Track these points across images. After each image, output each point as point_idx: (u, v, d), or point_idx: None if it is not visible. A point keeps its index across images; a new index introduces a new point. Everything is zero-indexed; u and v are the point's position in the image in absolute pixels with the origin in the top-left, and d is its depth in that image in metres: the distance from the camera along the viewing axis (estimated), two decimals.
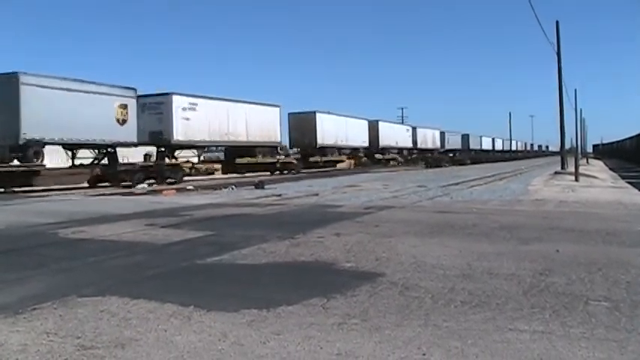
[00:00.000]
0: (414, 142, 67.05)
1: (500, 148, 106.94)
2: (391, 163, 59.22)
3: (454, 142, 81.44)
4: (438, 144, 75.52)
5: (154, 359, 3.66)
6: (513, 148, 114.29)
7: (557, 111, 32.77)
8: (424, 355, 3.62)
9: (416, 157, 65.99)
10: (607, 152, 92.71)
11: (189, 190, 22.99)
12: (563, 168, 31.66)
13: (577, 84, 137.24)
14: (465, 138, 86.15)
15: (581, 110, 68.50)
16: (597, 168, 42.37)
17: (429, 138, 72.61)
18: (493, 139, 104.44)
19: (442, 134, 77.39)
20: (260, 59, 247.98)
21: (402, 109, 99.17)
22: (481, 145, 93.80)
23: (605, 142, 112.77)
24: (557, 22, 32.26)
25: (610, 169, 41.70)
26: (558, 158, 39.55)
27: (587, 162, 54.68)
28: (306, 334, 4.07)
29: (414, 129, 67.60)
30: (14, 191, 21.84)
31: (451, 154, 74.11)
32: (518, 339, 3.87)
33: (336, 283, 5.63)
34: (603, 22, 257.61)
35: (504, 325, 4.17)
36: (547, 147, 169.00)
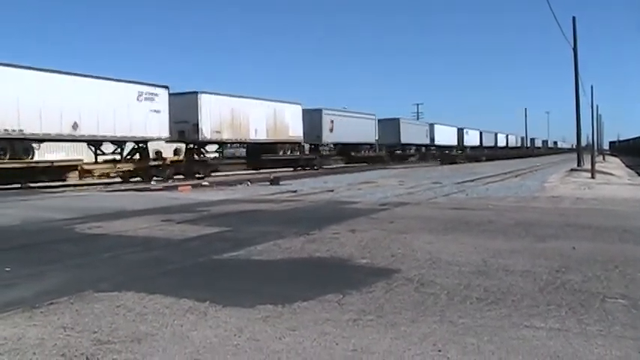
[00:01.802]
0: (245, 128, 33.99)
1: (477, 144, 78.14)
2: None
3: (369, 133, 49.23)
4: (323, 133, 42.55)
5: (170, 354, 3.67)
6: (502, 144, 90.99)
7: (573, 107, 32.57)
8: (440, 351, 3.61)
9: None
10: (624, 149, 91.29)
11: (204, 186, 23.08)
12: (579, 165, 31.44)
13: (594, 80, 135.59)
14: (404, 127, 55.93)
15: (597, 107, 67.42)
16: (614, 165, 42.09)
17: (291, 123, 38.47)
18: (461, 130, 73.07)
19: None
20: (275, 54, 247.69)
21: (418, 105, 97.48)
22: (432, 139, 63.56)
23: (621, 139, 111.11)
24: (573, 18, 32.13)
25: (627, 166, 41.38)
26: (573, 155, 39.27)
27: (604, 159, 54.27)
28: (322, 329, 4.07)
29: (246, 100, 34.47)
30: (30, 187, 22.15)
31: (367, 151, 49.96)
32: (535, 336, 3.84)
33: (352, 279, 5.63)
34: (621, 19, 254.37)
35: (520, 322, 4.14)
36: (555, 143, 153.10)
